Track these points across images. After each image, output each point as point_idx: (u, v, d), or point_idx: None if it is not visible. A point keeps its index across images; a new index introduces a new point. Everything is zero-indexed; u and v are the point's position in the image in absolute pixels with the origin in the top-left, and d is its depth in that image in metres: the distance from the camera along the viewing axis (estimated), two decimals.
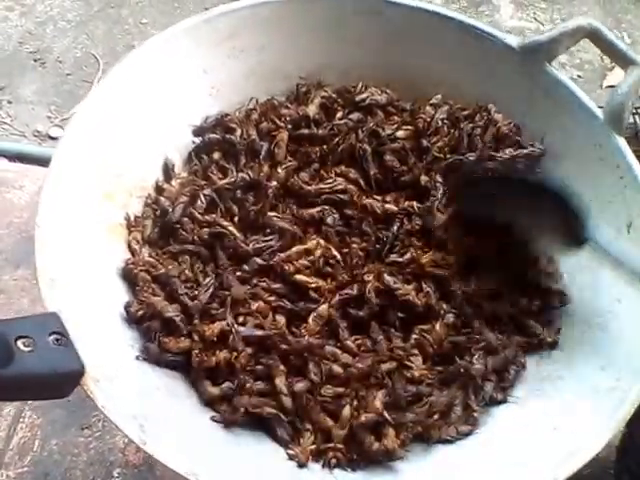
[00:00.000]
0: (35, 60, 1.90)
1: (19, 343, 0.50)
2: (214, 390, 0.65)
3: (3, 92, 1.84)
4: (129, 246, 0.72)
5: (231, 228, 0.72)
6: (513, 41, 0.76)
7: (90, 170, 0.69)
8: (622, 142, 0.72)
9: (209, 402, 0.65)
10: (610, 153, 0.72)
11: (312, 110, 0.80)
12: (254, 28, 0.78)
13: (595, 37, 0.72)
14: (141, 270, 0.69)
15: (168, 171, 0.77)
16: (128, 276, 0.69)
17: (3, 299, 0.88)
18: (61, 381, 0.54)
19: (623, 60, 0.71)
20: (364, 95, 0.81)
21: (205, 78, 0.78)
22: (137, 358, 0.64)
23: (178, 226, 0.72)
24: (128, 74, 0.73)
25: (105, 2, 2.05)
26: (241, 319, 0.67)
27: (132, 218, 0.73)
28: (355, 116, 0.80)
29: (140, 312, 0.66)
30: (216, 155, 0.78)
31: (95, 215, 0.69)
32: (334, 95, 0.82)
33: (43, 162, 1.06)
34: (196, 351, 0.65)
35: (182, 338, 0.66)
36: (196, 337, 0.66)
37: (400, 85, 0.82)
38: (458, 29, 0.78)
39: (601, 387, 0.64)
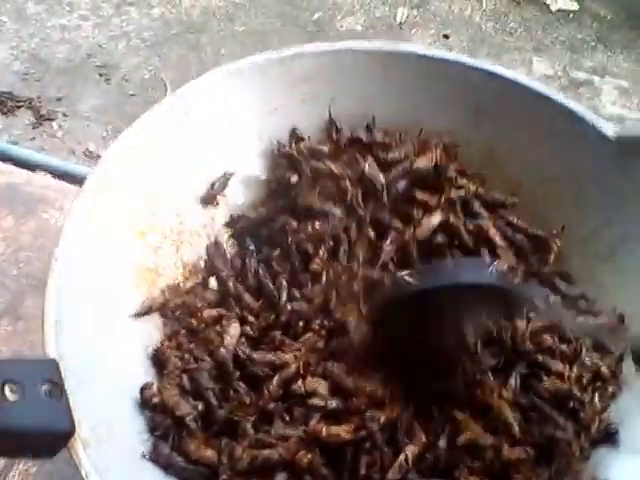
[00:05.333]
0: (100, 75, 1.83)
1: (6, 389, 0.45)
2: None
3: (60, 103, 1.77)
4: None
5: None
6: (609, 130, 0.68)
7: (125, 202, 0.62)
8: None
9: None
10: None
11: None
12: (330, 75, 0.70)
13: None
14: (174, 356, 0.60)
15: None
16: (159, 358, 0.61)
17: (21, 326, 0.81)
18: (47, 440, 0.48)
19: None
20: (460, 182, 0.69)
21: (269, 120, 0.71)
22: (143, 456, 0.55)
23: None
24: (187, 101, 0.67)
25: (185, 26, 1.97)
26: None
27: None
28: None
29: (155, 400, 0.57)
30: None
31: (123, 254, 0.62)
32: None
33: None
34: (224, 477, 0.54)
35: (203, 447, 0.56)
36: (224, 456, 0.55)
37: (477, 155, 0.71)
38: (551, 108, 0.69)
39: None
